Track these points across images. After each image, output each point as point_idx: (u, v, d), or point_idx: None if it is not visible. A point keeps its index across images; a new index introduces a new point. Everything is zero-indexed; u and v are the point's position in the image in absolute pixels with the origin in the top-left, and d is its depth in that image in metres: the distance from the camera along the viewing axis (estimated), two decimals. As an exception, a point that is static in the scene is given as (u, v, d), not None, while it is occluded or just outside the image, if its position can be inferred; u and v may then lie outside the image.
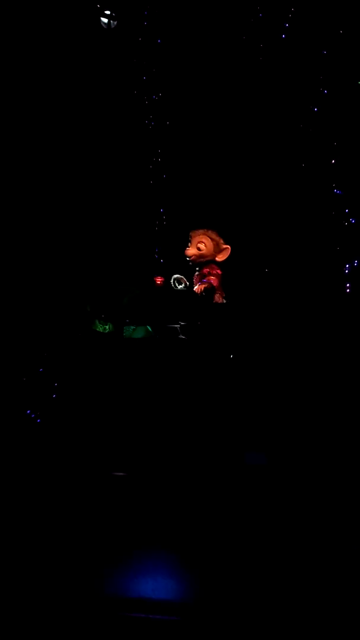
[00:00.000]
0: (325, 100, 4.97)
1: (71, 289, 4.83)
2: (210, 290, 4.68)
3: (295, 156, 5.11)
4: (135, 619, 2.38)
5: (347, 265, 4.71)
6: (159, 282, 4.99)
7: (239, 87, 5.56)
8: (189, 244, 4.89)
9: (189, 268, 4.95)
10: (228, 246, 4.83)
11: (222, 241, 4.85)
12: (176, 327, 4.59)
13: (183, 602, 2.47)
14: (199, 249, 4.81)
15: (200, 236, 4.84)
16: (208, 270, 4.82)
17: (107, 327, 4.74)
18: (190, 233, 4.90)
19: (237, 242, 4.94)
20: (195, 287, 4.78)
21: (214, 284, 4.74)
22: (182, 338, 4.54)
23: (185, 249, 4.90)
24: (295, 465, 3.68)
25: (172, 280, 4.94)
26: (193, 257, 4.85)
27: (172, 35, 5.82)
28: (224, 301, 4.81)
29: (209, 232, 4.87)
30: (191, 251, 4.85)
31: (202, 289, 4.69)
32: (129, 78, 5.86)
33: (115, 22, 5.63)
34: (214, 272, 4.81)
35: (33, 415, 4.08)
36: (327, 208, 4.92)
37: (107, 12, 5.60)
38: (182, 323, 4.60)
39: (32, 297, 4.53)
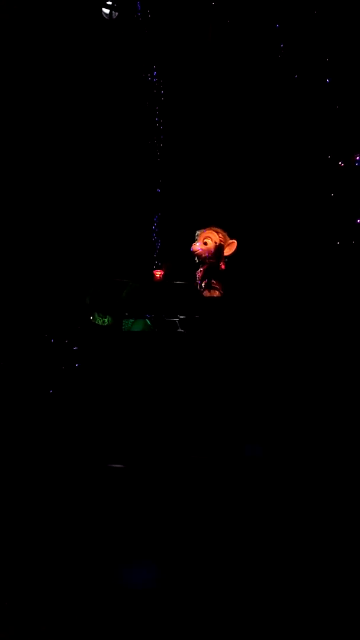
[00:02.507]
0: (324, 88, 4.96)
1: (71, 281, 4.84)
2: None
3: (296, 153, 5.12)
4: (130, 609, 2.41)
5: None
6: (158, 276, 5.01)
7: (240, 78, 5.54)
8: (195, 240, 4.91)
9: (192, 265, 4.96)
10: (234, 240, 4.85)
11: (227, 237, 4.88)
12: (175, 320, 4.61)
13: (180, 592, 2.50)
14: (205, 244, 4.83)
15: (207, 232, 4.87)
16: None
17: (106, 320, 4.76)
18: (198, 232, 4.93)
19: (237, 237, 4.96)
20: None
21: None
22: (180, 331, 4.56)
23: (191, 245, 4.91)
24: (291, 457, 3.71)
25: None
26: (198, 252, 4.87)
27: (174, 26, 5.80)
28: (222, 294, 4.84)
29: (216, 228, 4.90)
30: (197, 246, 4.87)
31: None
32: (131, 68, 5.84)
33: (117, 13, 5.62)
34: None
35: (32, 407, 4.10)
36: (326, 204, 4.94)
37: (109, 3, 5.58)
38: (181, 316, 4.62)
39: (33, 290, 4.55)
